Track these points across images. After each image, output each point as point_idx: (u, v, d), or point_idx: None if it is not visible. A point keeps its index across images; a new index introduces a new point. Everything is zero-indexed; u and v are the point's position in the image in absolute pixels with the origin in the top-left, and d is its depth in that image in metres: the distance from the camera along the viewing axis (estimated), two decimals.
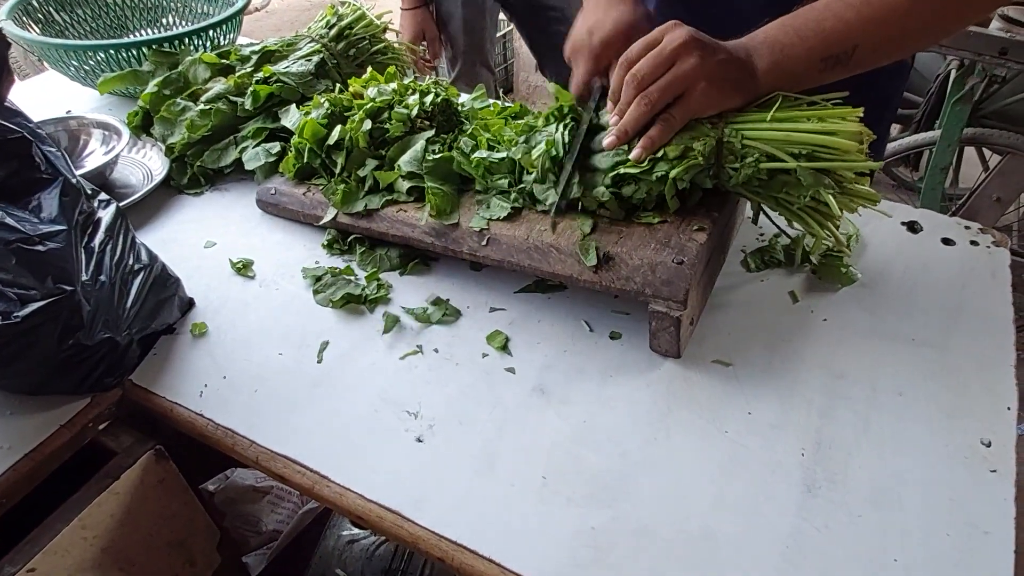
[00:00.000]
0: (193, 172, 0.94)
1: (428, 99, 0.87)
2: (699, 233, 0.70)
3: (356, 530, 1.24)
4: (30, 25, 1.17)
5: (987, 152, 2.12)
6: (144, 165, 0.97)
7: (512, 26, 1.98)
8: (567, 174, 0.72)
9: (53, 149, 0.64)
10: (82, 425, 0.65)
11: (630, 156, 0.69)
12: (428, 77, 1.90)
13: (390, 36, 1.18)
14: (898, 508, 0.58)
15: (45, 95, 1.17)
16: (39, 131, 0.64)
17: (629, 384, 0.69)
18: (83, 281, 0.60)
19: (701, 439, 0.64)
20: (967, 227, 0.86)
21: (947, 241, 0.84)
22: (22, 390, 0.64)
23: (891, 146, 1.91)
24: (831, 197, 0.65)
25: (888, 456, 0.62)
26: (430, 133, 0.81)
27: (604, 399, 0.68)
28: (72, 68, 1.05)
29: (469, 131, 0.81)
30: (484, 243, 0.75)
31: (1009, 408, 0.66)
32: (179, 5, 1.28)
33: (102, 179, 0.92)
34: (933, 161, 1.79)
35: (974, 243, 0.84)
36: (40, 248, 0.57)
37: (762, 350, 0.72)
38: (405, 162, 0.78)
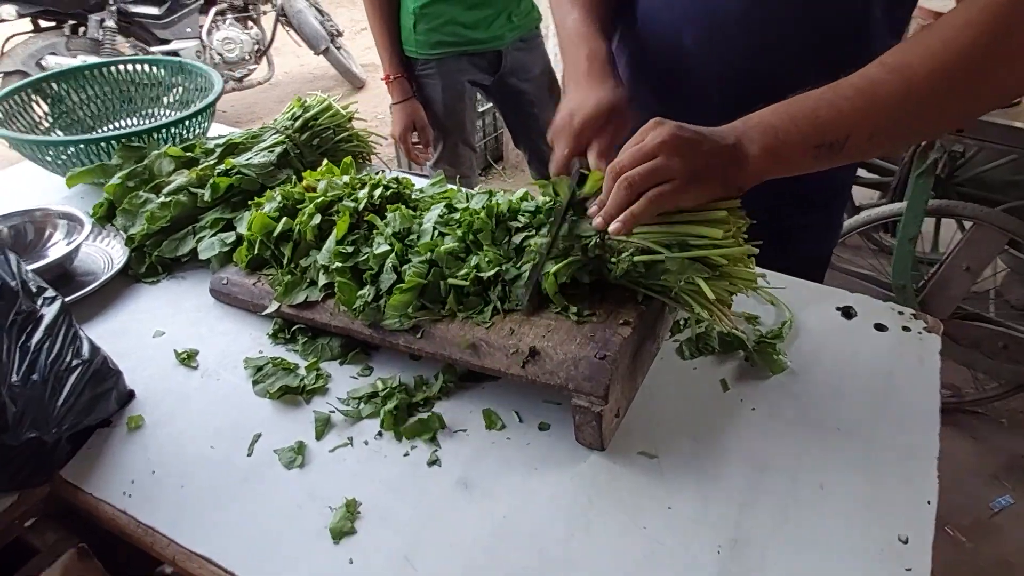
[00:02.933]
0: (151, 261, 0.97)
1: (377, 192, 0.91)
2: (624, 328, 0.72)
3: None
4: (37, 102, 1.22)
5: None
6: (107, 254, 1.00)
7: None
8: (538, 270, 0.74)
9: None
10: (7, 523, 0.66)
11: (609, 229, 0.70)
12: (424, 165, 1.97)
13: (358, 124, 1.24)
14: None
15: (27, 184, 1.22)
16: None
17: (553, 477, 0.70)
18: (12, 383, 0.62)
19: (620, 535, 0.64)
20: (900, 312, 0.88)
21: (879, 327, 0.86)
22: None
23: (864, 215, 1.94)
24: (703, 282, 0.67)
25: (804, 553, 0.62)
26: (344, 230, 0.84)
27: (527, 493, 0.68)
28: (47, 161, 1.10)
29: (388, 228, 0.84)
30: (419, 336, 0.77)
31: (929, 502, 0.66)
32: (177, 87, 1.34)
33: (63, 268, 0.95)
34: (900, 233, 1.82)
35: (906, 328, 0.85)
36: None
37: (688, 441, 0.73)
38: (321, 257, 0.81)
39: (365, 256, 0.81)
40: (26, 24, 3.82)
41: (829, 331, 0.86)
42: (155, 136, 1.10)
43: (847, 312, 0.89)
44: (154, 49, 4.14)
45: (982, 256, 1.80)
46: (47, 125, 1.26)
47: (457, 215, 0.83)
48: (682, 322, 0.87)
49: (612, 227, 0.70)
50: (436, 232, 0.82)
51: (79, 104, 1.29)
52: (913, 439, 0.72)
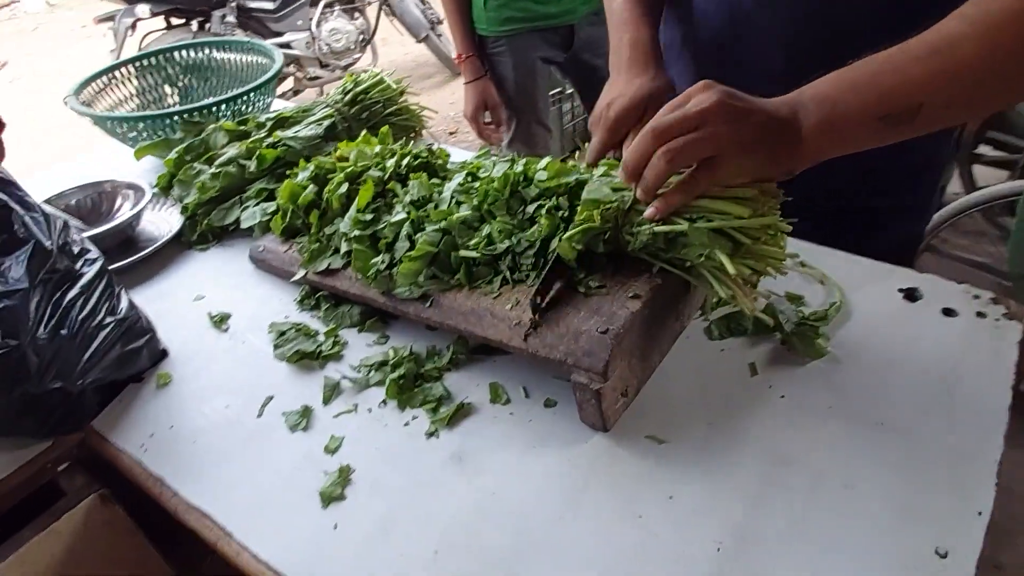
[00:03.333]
0: (202, 229, 1.02)
1: (404, 161, 0.90)
2: (633, 301, 0.67)
3: None
4: (124, 84, 1.34)
5: None
6: (168, 222, 1.06)
7: None
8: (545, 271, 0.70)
9: (37, 215, 0.72)
10: (41, 465, 0.71)
11: (644, 214, 0.66)
12: (499, 145, 1.97)
13: (412, 100, 1.24)
14: None
15: (107, 160, 1.32)
16: (26, 199, 0.72)
17: (551, 456, 0.66)
18: (37, 336, 0.67)
19: (612, 522, 0.60)
20: (976, 296, 0.76)
21: (948, 311, 0.75)
22: None
23: (978, 194, 1.73)
24: (725, 257, 0.60)
25: (818, 558, 0.55)
26: (368, 198, 0.83)
27: (521, 470, 0.65)
28: (121, 135, 1.18)
29: (408, 197, 0.82)
30: (428, 305, 0.76)
31: (980, 513, 0.57)
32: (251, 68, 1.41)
33: (125, 234, 1.02)
34: (1020, 214, 1.60)
35: (981, 315, 0.74)
36: None
37: (703, 428, 0.67)
38: (343, 225, 0.81)
39: (384, 224, 0.81)
40: (160, 22, 4.16)
41: (886, 315, 0.76)
42: (214, 111, 1.15)
43: (911, 294, 0.78)
44: (268, 41, 4.39)
45: None
46: (133, 105, 1.36)
47: (477, 184, 0.80)
48: (715, 300, 0.80)
49: (647, 212, 0.65)
50: (453, 201, 0.80)
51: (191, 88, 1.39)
52: (970, 440, 0.62)
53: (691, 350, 0.76)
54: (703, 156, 0.62)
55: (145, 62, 1.37)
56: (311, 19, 4.49)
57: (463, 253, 0.75)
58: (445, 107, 4.33)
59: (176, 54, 1.41)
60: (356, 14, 4.73)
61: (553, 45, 1.76)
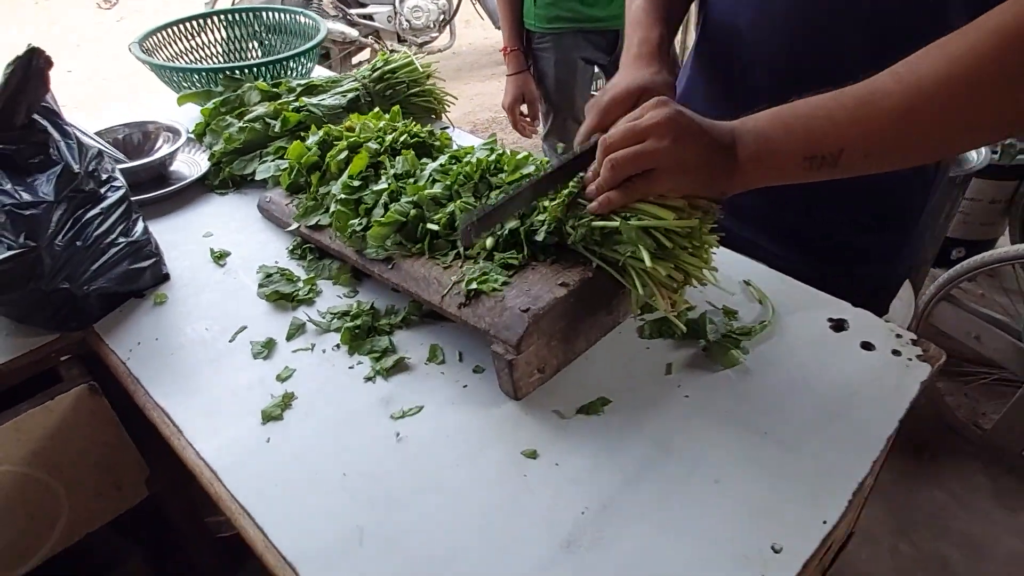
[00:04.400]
0: (224, 176, 1.13)
1: (402, 138, 0.99)
2: (560, 288, 0.74)
3: None
4: (185, 37, 1.47)
5: None
6: (198, 165, 1.18)
7: None
8: (495, 211, 0.77)
9: (71, 141, 0.84)
10: (46, 354, 0.84)
11: (588, 207, 0.74)
12: (532, 137, 2.04)
13: (437, 83, 1.33)
14: None
15: (159, 104, 1.45)
16: (64, 127, 0.85)
17: (465, 414, 0.74)
18: (55, 243, 0.79)
19: (500, 477, 0.68)
20: (898, 335, 0.80)
21: (867, 345, 0.79)
22: (12, 317, 0.84)
23: (993, 253, 1.71)
24: (647, 253, 0.67)
25: (664, 535, 0.62)
26: (361, 167, 0.92)
27: (436, 422, 0.73)
28: (173, 85, 1.31)
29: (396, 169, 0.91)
30: (390, 267, 0.85)
31: (825, 523, 0.62)
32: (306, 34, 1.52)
33: (157, 171, 1.14)
34: None
35: (896, 352, 0.78)
36: (24, 213, 0.76)
37: (607, 412, 0.74)
38: (335, 188, 0.90)
39: (368, 192, 0.90)
40: None
41: (808, 339, 0.81)
42: (254, 71, 1.27)
43: (839, 325, 0.82)
44: (352, 11, 4.56)
45: None
46: (193, 57, 1.49)
47: (455, 166, 0.89)
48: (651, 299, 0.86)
49: (590, 207, 0.72)
50: (430, 178, 0.88)
51: (219, 41, 1.52)
52: (842, 460, 0.67)
53: (619, 344, 0.82)
54: (643, 169, 0.68)
55: (233, 16, 1.49)
56: None
57: (429, 226, 0.83)
58: (500, 95, 4.42)
59: (264, 14, 1.52)
60: None
61: (597, 47, 1.82)
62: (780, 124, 0.66)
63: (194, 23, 1.47)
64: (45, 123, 0.82)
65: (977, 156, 2.03)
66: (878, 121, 0.61)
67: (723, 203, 0.75)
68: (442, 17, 4.88)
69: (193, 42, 1.47)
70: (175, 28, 1.43)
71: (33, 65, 0.79)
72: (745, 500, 0.64)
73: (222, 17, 1.49)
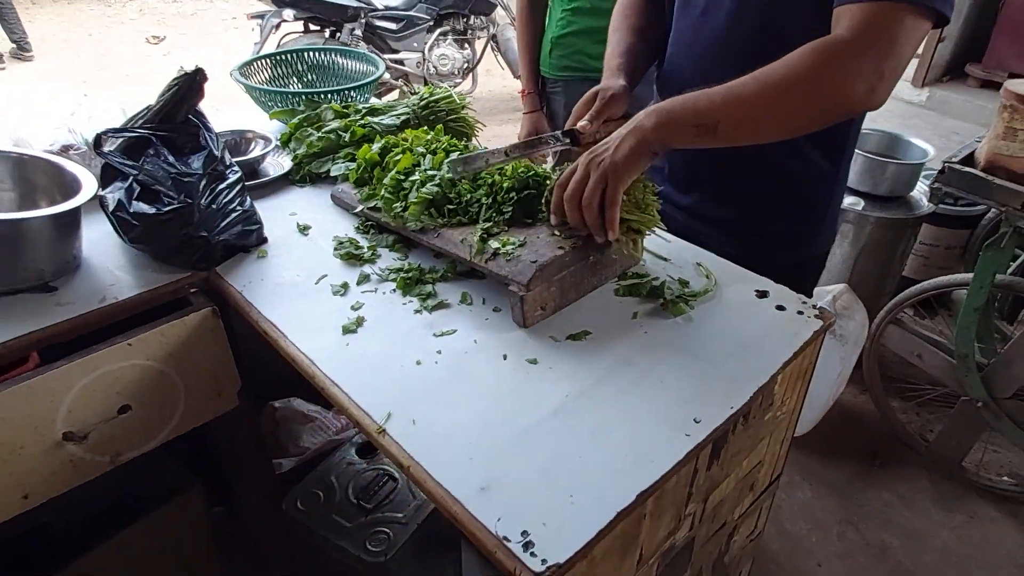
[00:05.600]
0: (304, 173, 1.46)
1: (440, 148, 1.31)
2: (559, 250, 1.05)
3: (357, 458, 1.64)
4: (291, 80, 1.83)
5: None
6: (282, 165, 1.51)
7: None
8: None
9: (212, 135, 1.17)
10: (180, 285, 1.14)
11: (609, 237, 1.04)
12: (541, 165, 2.38)
13: (470, 113, 1.66)
14: (604, 435, 0.87)
15: (249, 116, 1.79)
16: (208, 124, 1.17)
17: (486, 336, 1.04)
18: (199, 203, 1.10)
19: (511, 371, 0.97)
20: (804, 302, 1.10)
21: (780, 307, 1.09)
22: (158, 257, 1.15)
23: (928, 283, 2.01)
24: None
25: (622, 410, 0.90)
26: (407, 165, 1.25)
27: (465, 338, 1.03)
28: (265, 104, 1.65)
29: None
30: (436, 236, 1.16)
31: (732, 407, 0.91)
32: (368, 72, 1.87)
33: (253, 167, 1.47)
34: (966, 302, 1.88)
35: (800, 312, 1.08)
36: (183, 179, 1.08)
37: (590, 340, 1.03)
38: (387, 179, 1.22)
39: (408, 181, 1.21)
40: (299, 26, 4.82)
41: (739, 303, 1.11)
42: (329, 97, 1.61)
43: (763, 294, 1.13)
44: (385, 56, 5.01)
45: None
46: (278, 84, 1.84)
47: None
48: (629, 274, 1.16)
49: (610, 236, 1.03)
50: (447, 168, 1.20)
51: (313, 83, 1.87)
52: (748, 371, 0.96)
53: (601, 299, 1.12)
54: (601, 189, 1.00)
55: (280, 57, 1.85)
56: (426, 43, 5.08)
57: (447, 206, 1.15)
58: (515, 138, 4.80)
59: (307, 54, 1.88)
60: (465, 45, 5.30)
61: None
62: (679, 102, 0.99)
63: (267, 60, 1.82)
64: (197, 121, 1.15)
65: (924, 203, 2.35)
66: (741, 103, 0.94)
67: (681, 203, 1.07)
68: (466, 65, 5.33)
69: (264, 76, 1.82)
70: (254, 64, 1.79)
71: (196, 80, 1.12)
72: (679, 393, 0.93)
73: (297, 56, 1.84)
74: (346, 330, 1.05)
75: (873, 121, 4.62)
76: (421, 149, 1.29)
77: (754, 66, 0.96)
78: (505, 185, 1.14)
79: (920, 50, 4.74)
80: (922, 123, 4.78)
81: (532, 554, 0.72)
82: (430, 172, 1.21)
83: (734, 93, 0.94)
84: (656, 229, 1.12)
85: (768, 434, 1.12)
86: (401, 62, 5.05)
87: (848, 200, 2.34)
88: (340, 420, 1.79)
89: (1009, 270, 2.20)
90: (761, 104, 0.93)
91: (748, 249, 1.26)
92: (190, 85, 1.12)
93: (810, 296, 1.31)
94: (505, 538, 0.73)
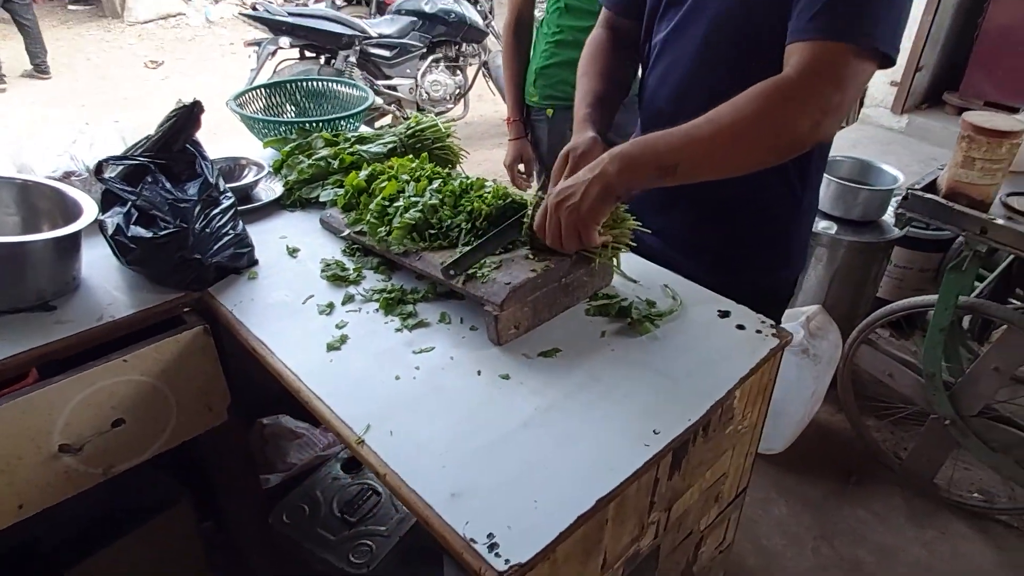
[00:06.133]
0: (295, 198, 1.53)
1: (423, 176, 1.38)
2: (531, 273, 1.12)
3: (342, 473, 1.69)
4: (286, 107, 1.91)
5: None
6: (274, 190, 1.58)
7: None
8: (469, 255, 1.15)
9: (208, 163, 1.24)
10: (174, 304, 1.21)
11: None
12: (526, 191, 2.47)
13: (454, 142, 1.74)
14: (570, 445, 0.93)
15: (243, 144, 1.87)
16: (204, 153, 1.25)
17: (462, 353, 1.10)
18: (194, 227, 1.17)
19: (485, 383, 1.03)
20: (763, 321, 1.17)
21: (740, 327, 1.16)
22: (154, 278, 1.22)
23: (896, 304, 2.09)
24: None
25: (588, 423, 0.97)
26: (391, 192, 1.32)
27: (442, 355, 1.09)
28: (255, 131, 1.73)
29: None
30: (418, 259, 1.23)
31: (689, 419, 0.97)
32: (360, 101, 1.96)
33: (247, 192, 1.54)
34: (932, 322, 1.95)
35: (759, 331, 1.15)
36: (179, 205, 1.15)
37: (560, 357, 1.10)
38: (372, 206, 1.29)
39: (392, 207, 1.28)
40: (295, 52, 4.93)
41: (702, 323, 1.18)
42: (320, 125, 1.68)
43: (725, 314, 1.20)
44: (379, 82, 5.12)
45: (1012, 359, 1.87)
46: (258, 112, 1.92)
47: (445, 187, 1.28)
48: (600, 295, 1.23)
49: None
50: (430, 195, 1.27)
51: (307, 110, 1.95)
52: (707, 386, 1.03)
53: (571, 318, 1.19)
54: (575, 236, 1.08)
55: (277, 87, 1.94)
56: (419, 70, 5.20)
57: (429, 231, 1.22)
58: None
59: (304, 83, 1.97)
60: (457, 71, 5.42)
61: None
62: (640, 145, 1.05)
63: (262, 90, 1.91)
64: (193, 150, 1.22)
65: (894, 227, 2.44)
66: (697, 144, 1.02)
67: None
68: (458, 91, 5.45)
69: (259, 104, 1.90)
70: (249, 93, 1.87)
71: (193, 112, 1.19)
72: (642, 406, 1.00)
73: (292, 85, 1.93)
74: (330, 347, 1.11)
75: (853, 147, 4.76)
76: (406, 176, 1.36)
77: (730, 86, 1.03)
78: (484, 212, 1.22)
79: (898, 78, 4.88)
80: (902, 149, 4.91)
81: (497, 555, 0.78)
82: (413, 198, 1.28)
83: (691, 135, 1.02)
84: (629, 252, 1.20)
85: (731, 447, 1.18)
86: (394, 88, 5.17)
87: (822, 224, 2.43)
88: (327, 436, 1.84)
89: (976, 292, 2.28)
90: (716, 145, 1.01)
91: (720, 273, 1.33)
92: (188, 116, 1.19)
93: (780, 319, 1.39)
94: (472, 540, 0.79)
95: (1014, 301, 2.50)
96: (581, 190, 1.05)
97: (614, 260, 1.15)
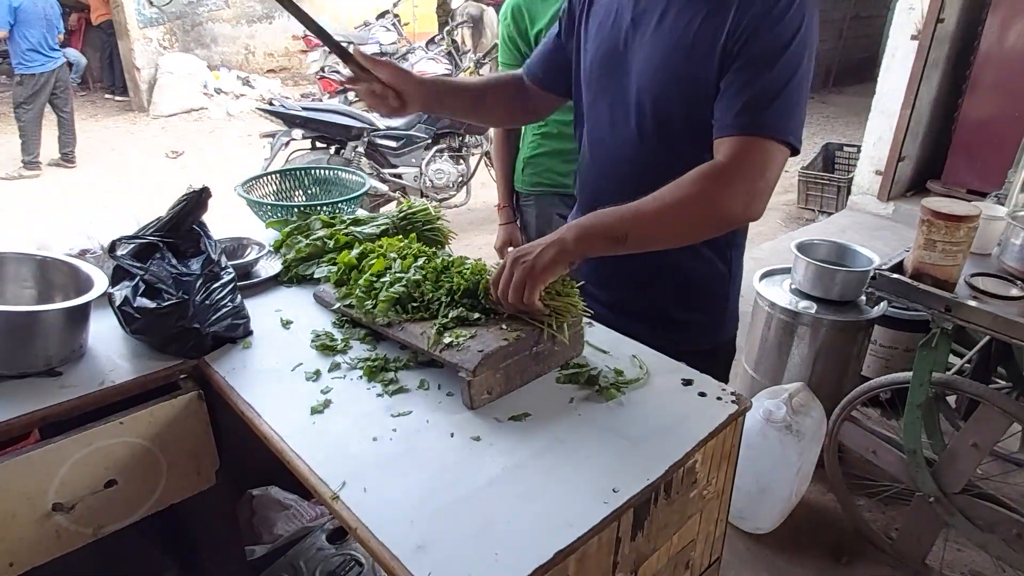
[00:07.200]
0: (292, 275, 1.64)
1: (410, 254, 1.49)
2: (503, 342, 1.20)
3: (327, 544, 1.71)
4: (295, 193, 2.07)
5: None
6: (273, 267, 1.69)
7: None
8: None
9: (212, 241, 1.36)
10: (171, 371, 1.29)
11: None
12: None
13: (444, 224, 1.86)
14: (531, 502, 0.99)
15: (246, 224, 2.00)
16: (208, 232, 1.36)
17: (438, 416, 1.17)
18: (195, 298, 1.27)
19: (455, 449, 1.10)
20: (723, 390, 1.24)
21: (702, 394, 1.23)
22: (155, 346, 1.31)
23: (872, 382, 2.14)
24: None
25: (552, 483, 1.02)
26: (379, 269, 1.43)
27: (419, 419, 1.16)
28: (259, 214, 1.86)
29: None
30: (401, 329, 1.31)
31: (648, 479, 1.03)
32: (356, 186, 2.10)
33: (248, 269, 1.65)
34: (908, 399, 2.00)
35: (719, 398, 1.22)
36: (183, 278, 1.26)
37: (529, 420, 1.16)
38: (361, 282, 1.40)
39: (378, 282, 1.39)
40: (307, 143, 5.22)
41: (666, 390, 1.25)
42: (319, 209, 1.82)
43: (688, 382, 1.27)
44: (385, 171, 5.38)
45: (988, 435, 1.91)
46: (269, 196, 2.06)
47: (429, 264, 1.38)
48: (571, 364, 1.31)
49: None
50: (414, 272, 1.37)
51: (315, 196, 2.11)
52: (667, 449, 1.09)
53: (542, 386, 1.26)
54: (521, 288, 1.18)
55: (287, 174, 2.09)
56: (423, 159, 5.46)
57: (412, 304, 1.32)
58: None
59: (314, 171, 2.12)
60: (460, 160, 5.69)
61: (568, 205, 2.39)
62: (593, 219, 1.19)
63: (275, 176, 2.06)
64: (199, 230, 1.34)
65: (873, 307, 2.52)
66: (643, 218, 1.15)
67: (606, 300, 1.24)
68: (460, 179, 5.70)
69: (271, 188, 2.06)
70: (263, 179, 2.02)
71: (201, 196, 1.32)
72: (604, 466, 1.05)
73: (301, 172, 2.09)
74: (314, 410, 1.18)
75: (843, 231, 4.92)
76: (393, 254, 1.47)
77: (653, 178, 1.17)
78: (462, 286, 1.31)
79: (882, 168, 5.09)
80: (889, 234, 5.06)
81: None
82: (399, 274, 1.39)
83: (640, 210, 1.15)
84: (595, 323, 1.28)
85: (697, 512, 1.22)
86: (399, 176, 5.42)
87: (802, 304, 2.51)
88: (315, 508, 1.87)
89: (956, 369, 2.34)
90: (660, 219, 1.14)
91: (664, 335, 1.42)
92: (196, 201, 1.32)
93: (727, 378, 1.47)
94: None
95: (997, 380, 2.55)
96: (538, 250, 1.18)
97: (559, 326, 1.23)
